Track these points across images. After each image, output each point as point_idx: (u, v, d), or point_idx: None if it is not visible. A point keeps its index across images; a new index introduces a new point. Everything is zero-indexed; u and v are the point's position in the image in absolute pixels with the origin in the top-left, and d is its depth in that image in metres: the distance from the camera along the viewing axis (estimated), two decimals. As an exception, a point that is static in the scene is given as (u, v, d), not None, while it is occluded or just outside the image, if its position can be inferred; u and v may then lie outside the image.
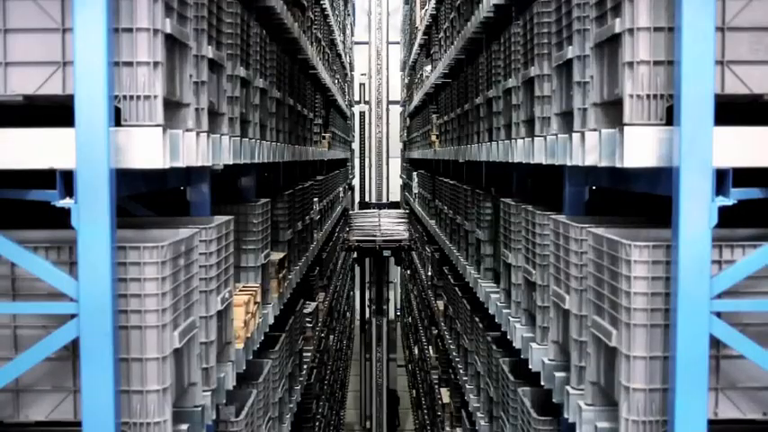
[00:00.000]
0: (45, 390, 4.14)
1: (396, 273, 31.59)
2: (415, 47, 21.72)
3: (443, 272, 13.67)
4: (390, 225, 20.98)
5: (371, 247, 20.56)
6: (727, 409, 4.20)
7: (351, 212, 21.55)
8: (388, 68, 25.14)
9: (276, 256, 7.91)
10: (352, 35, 30.48)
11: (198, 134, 4.53)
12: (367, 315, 23.44)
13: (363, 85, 29.93)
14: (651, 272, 4.07)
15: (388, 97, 25.39)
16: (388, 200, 25.64)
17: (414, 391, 23.64)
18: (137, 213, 5.64)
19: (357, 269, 27.44)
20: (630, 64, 4.00)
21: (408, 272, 26.73)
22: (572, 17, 4.99)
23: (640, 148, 3.99)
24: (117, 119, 3.89)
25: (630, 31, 4.01)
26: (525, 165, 6.32)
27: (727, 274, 4.00)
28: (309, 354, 12.00)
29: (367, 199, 26.59)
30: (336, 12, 19.43)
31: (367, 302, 23.90)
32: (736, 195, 3.92)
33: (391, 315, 26.04)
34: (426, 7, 17.49)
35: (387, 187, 25.13)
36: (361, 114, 29.52)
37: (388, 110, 25.31)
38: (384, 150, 24.96)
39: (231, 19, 5.71)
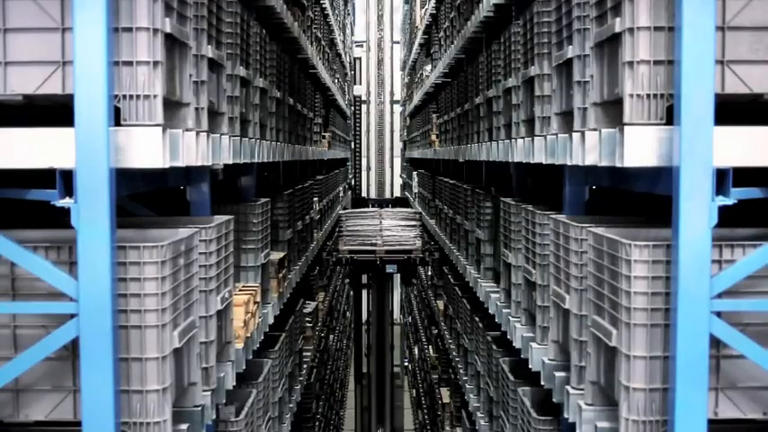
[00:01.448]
0: (45, 389, 4.13)
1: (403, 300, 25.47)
2: (415, 46, 21.70)
3: (443, 271, 13.67)
4: (396, 230, 15.36)
5: (369, 259, 15.19)
6: (728, 409, 4.19)
7: (342, 212, 15.98)
8: (392, 63, 21.81)
9: (276, 255, 7.91)
10: (352, 35, 30.41)
11: (198, 134, 4.53)
12: (364, 366, 17.96)
13: (360, 59, 25.59)
14: (651, 271, 4.07)
15: (392, 78, 20.65)
16: (391, 195, 20.05)
17: (414, 391, 23.42)
18: (137, 213, 5.64)
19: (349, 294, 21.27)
20: (630, 63, 4.00)
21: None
22: (572, 17, 4.98)
23: (640, 147, 3.98)
24: (117, 118, 3.88)
25: (631, 30, 4.00)
26: (525, 164, 6.32)
27: (727, 273, 3.99)
28: (309, 353, 11.99)
29: (364, 194, 20.93)
30: (336, 11, 19.42)
31: (364, 348, 18.51)
32: (736, 195, 3.92)
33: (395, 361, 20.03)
34: (426, 7, 17.48)
35: (390, 180, 19.57)
36: (356, 99, 24.65)
37: (392, 93, 20.39)
38: (387, 135, 19.49)
39: (231, 18, 5.70)
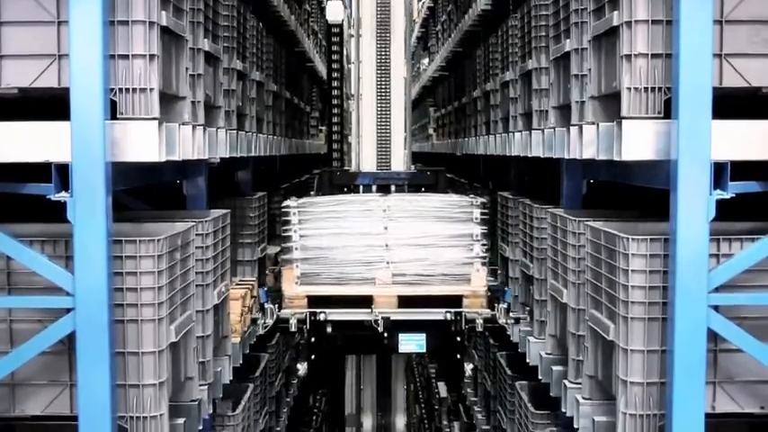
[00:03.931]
0: (41, 384, 4.12)
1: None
2: (412, 39, 21.68)
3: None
4: (422, 244, 7.13)
5: (357, 320, 7.02)
6: (725, 403, 4.19)
7: (292, 203, 7.42)
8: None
9: (273, 249, 7.90)
10: (349, 27, 30.29)
11: (194, 127, 4.51)
12: None
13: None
14: (649, 265, 4.06)
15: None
16: (408, 168, 10.06)
17: (411, 385, 23.35)
18: (133, 207, 5.62)
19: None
20: (628, 57, 3.99)
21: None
22: (570, 10, 4.97)
23: (638, 141, 3.97)
24: (113, 112, 3.87)
25: (628, 23, 3.99)
26: (523, 158, 6.31)
27: (724, 267, 3.98)
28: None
29: (353, 166, 10.38)
30: (333, 5, 19.34)
31: None
32: (733, 189, 3.91)
33: None
34: (423, 0, 17.44)
35: (404, 139, 9.83)
36: (331, 27, 14.38)
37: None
38: (398, 60, 9.75)
39: (227, 11, 5.68)
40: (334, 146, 12.35)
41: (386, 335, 6.90)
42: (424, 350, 7.26)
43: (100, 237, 3.82)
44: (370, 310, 6.86)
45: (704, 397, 3.97)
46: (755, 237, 4.07)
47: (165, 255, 4.15)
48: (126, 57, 3.88)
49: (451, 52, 11.82)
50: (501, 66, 7.32)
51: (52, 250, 4.04)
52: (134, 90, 3.88)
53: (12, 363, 3.97)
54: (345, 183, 8.37)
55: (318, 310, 6.97)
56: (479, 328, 7.06)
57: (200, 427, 4.79)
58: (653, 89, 3.97)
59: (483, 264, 7.07)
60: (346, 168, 9.70)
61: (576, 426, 4.83)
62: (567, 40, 5.01)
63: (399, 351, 7.23)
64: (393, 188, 8.02)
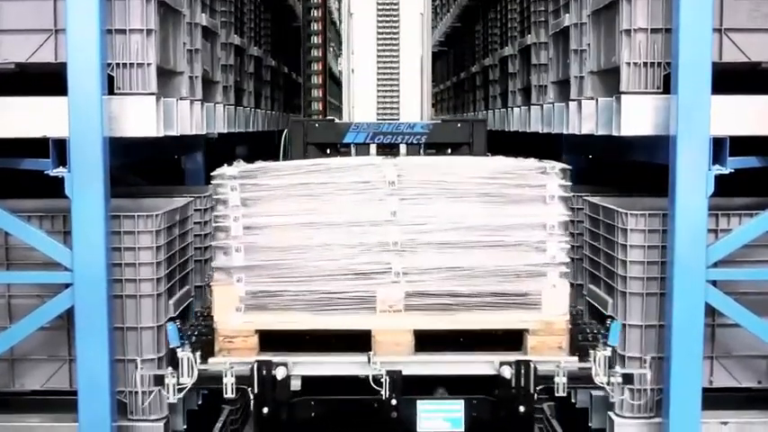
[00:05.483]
0: (40, 359, 4.14)
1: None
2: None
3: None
4: (456, 244, 4.14)
5: (346, 377, 4.13)
6: (723, 378, 4.20)
7: (230, 173, 4.24)
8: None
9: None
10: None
11: (192, 103, 4.50)
12: None
13: None
14: (647, 240, 4.07)
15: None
16: (426, 118, 5.42)
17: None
18: (131, 182, 5.61)
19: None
20: (628, 31, 3.97)
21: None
22: (569, -16, 4.94)
23: (637, 116, 3.96)
24: (110, 87, 3.86)
25: (628, -3, 3.97)
26: (522, 133, 6.30)
27: (723, 242, 3.99)
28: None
29: (347, 114, 5.44)
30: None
31: None
32: (732, 164, 3.90)
33: None
34: (422, -25, 17.34)
35: (421, 79, 5.34)
36: None
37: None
38: None
39: (225, -14, 5.65)
40: (313, 80, 8.52)
41: (394, 402, 4.13)
42: (462, 429, 4.18)
43: (98, 212, 3.82)
44: (366, 358, 4.10)
45: (702, 372, 3.98)
46: (754, 212, 4.07)
47: (163, 230, 4.15)
48: (123, 32, 3.86)
49: (450, 27, 11.77)
50: (500, 41, 7.30)
51: (50, 226, 4.04)
52: (131, 65, 3.88)
53: (11, 338, 3.98)
54: (329, 140, 5.16)
55: (276, 359, 4.11)
56: (560, 392, 4.10)
57: (200, 402, 4.80)
58: (652, 64, 3.95)
59: (563, 275, 4.20)
60: (330, 118, 6.22)
61: (573, 401, 4.84)
62: (567, 15, 4.99)
63: (419, 431, 4.21)
64: (404, 149, 5.12)
